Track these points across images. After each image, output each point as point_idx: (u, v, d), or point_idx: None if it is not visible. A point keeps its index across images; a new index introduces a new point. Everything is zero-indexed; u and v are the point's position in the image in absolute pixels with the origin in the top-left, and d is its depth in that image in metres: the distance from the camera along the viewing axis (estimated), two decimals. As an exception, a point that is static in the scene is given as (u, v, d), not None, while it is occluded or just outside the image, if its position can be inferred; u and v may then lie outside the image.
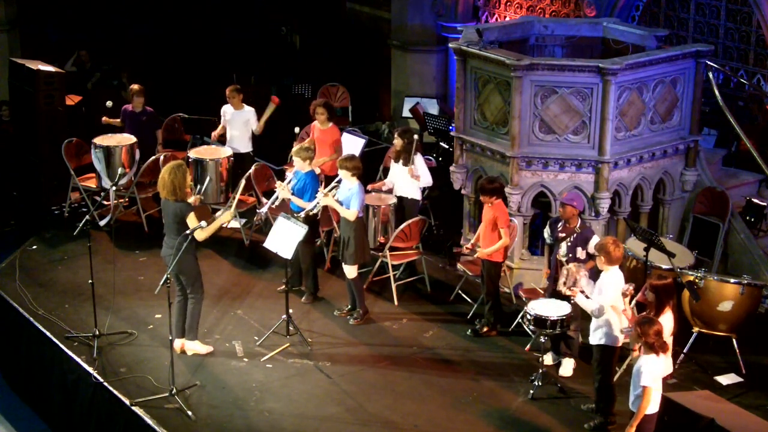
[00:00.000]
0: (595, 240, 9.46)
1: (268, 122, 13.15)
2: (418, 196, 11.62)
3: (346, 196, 10.49)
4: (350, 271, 10.57)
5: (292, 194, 10.74)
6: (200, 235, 9.45)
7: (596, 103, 10.71)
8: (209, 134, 13.47)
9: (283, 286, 10.54)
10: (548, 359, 9.86)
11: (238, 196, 10.91)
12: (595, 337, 8.76)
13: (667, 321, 8.23)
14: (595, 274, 9.00)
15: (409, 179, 11.45)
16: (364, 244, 10.62)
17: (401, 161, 11.48)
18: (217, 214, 9.93)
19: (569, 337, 9.71)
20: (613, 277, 8.66)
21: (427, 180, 11.62)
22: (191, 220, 9.47)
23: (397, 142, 11.47)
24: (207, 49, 18.38)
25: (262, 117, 13.07)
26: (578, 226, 9.61)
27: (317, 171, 12.12)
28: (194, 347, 9.99)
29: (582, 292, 8.75)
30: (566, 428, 8.99)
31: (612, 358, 8.81)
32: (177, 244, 9.37)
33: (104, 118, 13.08)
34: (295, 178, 10.88)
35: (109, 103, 13.12)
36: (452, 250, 11.78)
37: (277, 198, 10.86)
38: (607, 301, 8.59)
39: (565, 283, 8.86)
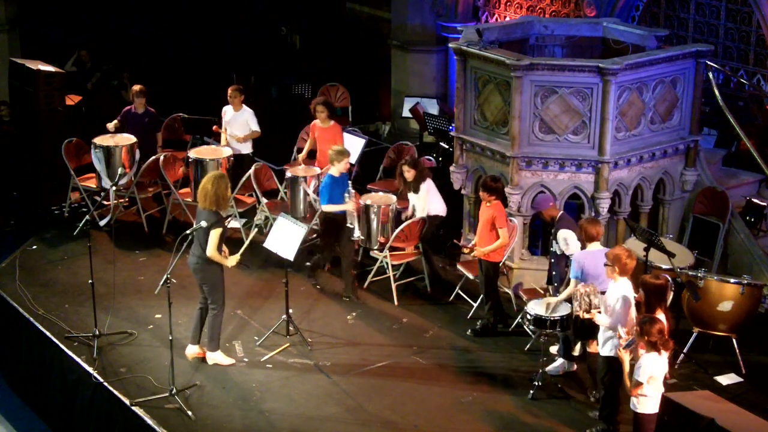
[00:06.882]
0: (566, 232, 9.55)
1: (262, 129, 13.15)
2: (442, 212, 11.43)
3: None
4: None
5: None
6: (209, 251, 9.41)
7: (596, 103, 10.70)
8: (209, 134, 13.41)
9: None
10: (556, 366, 9.80)
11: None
12: (605, 349, 8.61)
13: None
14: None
15: (424, 204, 11.25)
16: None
17: (412, 192, 11.31)
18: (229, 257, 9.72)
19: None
20: (623, 289, 8.57)
21: (437, 209, 11.33)
22: (214, 234, 9.35)
23: (409, 174, 11.22)
24: (207, 49, 18.38)
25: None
26: (557, 217, 9.77)
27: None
28: (217, 358, 9.89)
29: (598, 311, 8.62)
30: (566, 428, 8.98)
31: (620, 370, 8.71)
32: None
33: (108, 125, 12.96)
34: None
35: (110, 126, 12.98)
36: (452, 246, 11.73)
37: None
38: (619, 313, 8.48)
39: (580, 307, 8.66)
